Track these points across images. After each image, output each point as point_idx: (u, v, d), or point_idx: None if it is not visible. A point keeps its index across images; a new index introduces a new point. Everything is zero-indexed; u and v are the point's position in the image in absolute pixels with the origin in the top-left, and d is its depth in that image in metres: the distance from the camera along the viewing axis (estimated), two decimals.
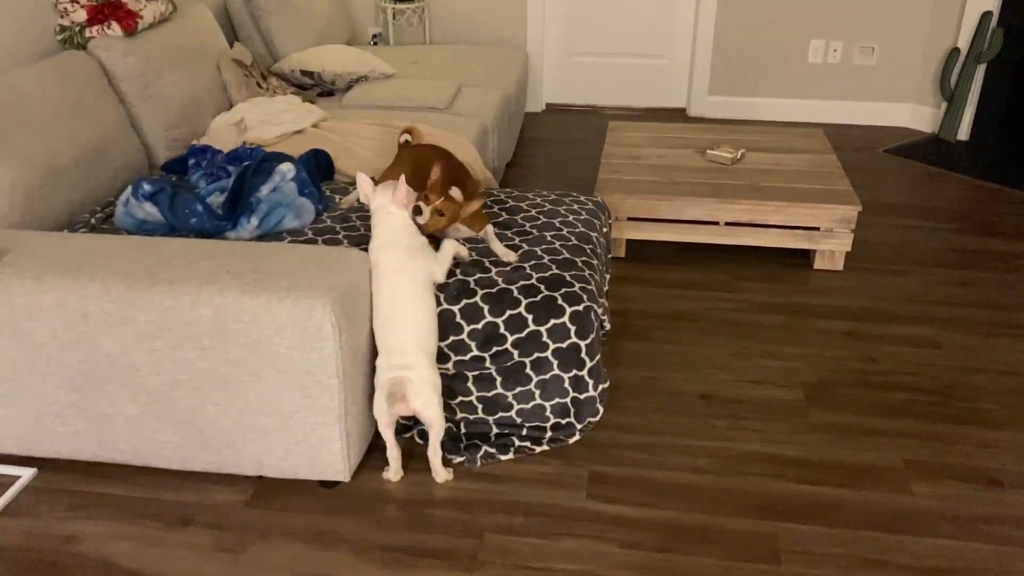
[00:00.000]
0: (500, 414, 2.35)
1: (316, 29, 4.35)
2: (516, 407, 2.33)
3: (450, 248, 2.29)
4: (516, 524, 2.08)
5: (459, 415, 2.36)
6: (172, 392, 2.07)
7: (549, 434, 2.34)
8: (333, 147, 3.19)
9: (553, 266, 2.36)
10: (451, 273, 2.31)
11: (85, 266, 2.05)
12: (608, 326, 2.69)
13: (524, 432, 2.35)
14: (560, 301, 2.24)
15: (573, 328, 2.23)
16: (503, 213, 2.68)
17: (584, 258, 2.44)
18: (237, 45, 3.71)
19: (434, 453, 2.18)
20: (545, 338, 2.24)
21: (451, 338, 2.24)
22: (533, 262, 2.38)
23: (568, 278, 2.31)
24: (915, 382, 2.62)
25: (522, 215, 2.66)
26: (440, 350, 2.25)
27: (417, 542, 2.02)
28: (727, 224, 3.29)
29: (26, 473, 2.23)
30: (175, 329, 1.99)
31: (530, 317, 2.23)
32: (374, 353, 2.18)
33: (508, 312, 2.23)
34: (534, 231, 2.56)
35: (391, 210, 2.24)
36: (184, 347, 2.01)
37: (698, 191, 3.28)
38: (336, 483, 2.20)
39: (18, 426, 2.18)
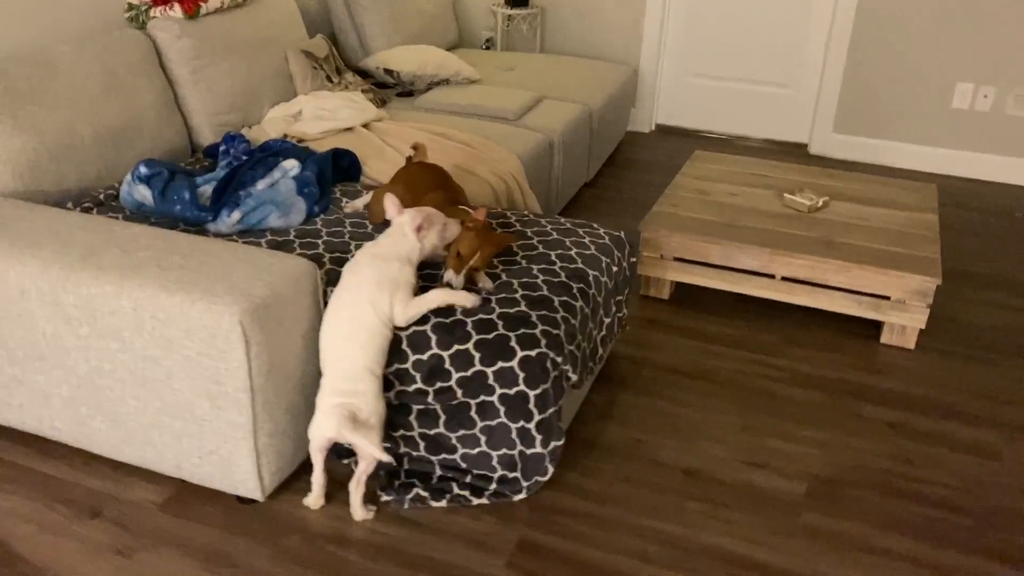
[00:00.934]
0: (444, 455, 2.16)
1: (413, 27, 4.29)
2: (461, 451, 2.13)
3: (435, 300, 2.06)
4: None
5: (402, 449, 2.19)
6: (99, 380, 2.02)
7: (494, 486, 2.13)
8: (371, 149, 3.10)
9: (523, 303, 2.13)
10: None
11: (34, 243, 2.04)
12: (581, 373, 2.43)
13: (467, 479, 2.14)
14: (513, 342, 2.02)
15: (522, 375, 2.00)
16: (493, 227, 2.47)
17: (566, 298, 2.20)
18: (317, 37, 3.69)
19: (356, 487, 2.02)
20: (491, 381, 2.02)
21: (395, 366, 2.07)
22: (503, 295, 2.17)
23: (533, 318, 2.08)
24: (952, 497, 2.19)
25: (520, 242, 2.45)
26: (384, 377, 2.08)
27: None
28: (784, 279, 2.92)
29: None
30: (99, 317, 1.94)
31: (477, 356, 2.02)
32: (312, 370, 2.04)
33: (455, 347, 2.03)
34: (523, 261, 2.34)
35: (406, 233, 2.09)
36: (107, 337, 1.96)
37: (755, 238, 2.93)
38: (253, 500, 2.09)
39: None
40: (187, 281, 1.89)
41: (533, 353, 2.01)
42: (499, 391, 2.02)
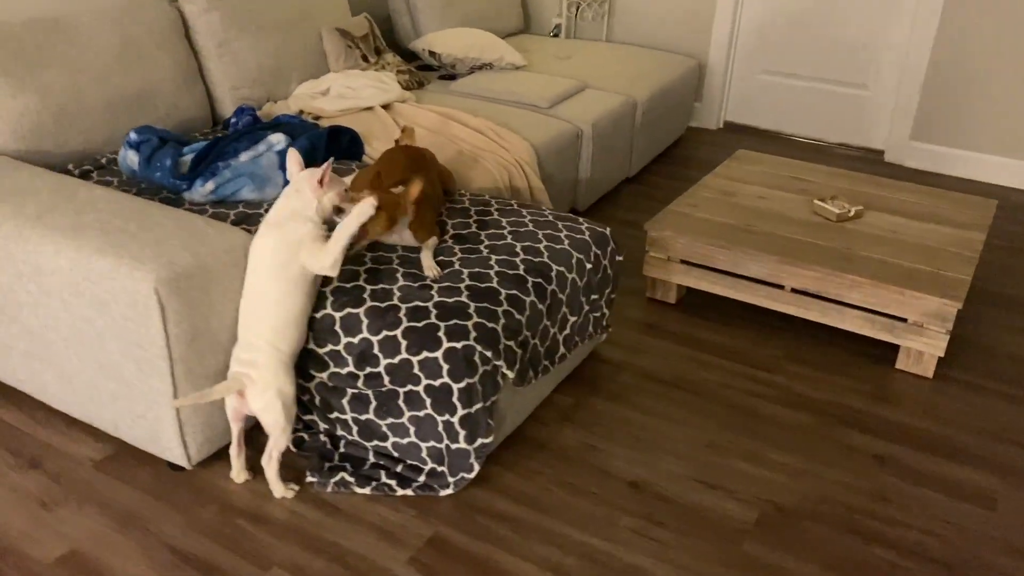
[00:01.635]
0: (376, 442, 2.11)
1: (470, 11, 4.24)
2: (391, 439, 2.08)
3: (344, 230, 1.95)
4: (312, 567, 1.85)
5: (339, 431, 2.16)
6: (47, 335, 2.08)
7: (423, 479, 2.06)
8: (381, 130, 3.08)
9: (466, 293, 2.06)
10: (354, 275, 2.10)
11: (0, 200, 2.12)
12: (525, 372, 2.32)
13: (398, 469, 2.09)
14: (441, 332, 1.95)
15: (446, 367, 1.93)
16: (473, 224, 2.40)
17: (515, 292, 2.11)
18: (360, 17, 3.70)
19: (267, 463, 2.00)
20: (416, 370, 1.96)
21: (329, 347, 2.04)
22: (448, 283, 2.09)
23: (471, 310, 2.00)
24: (926, 545, 1.97)
25: (490, 230, 2.37)
26: (319, 357, 2.05)
27: (206, 554, 1.87)
28: (795, 291, 2.72)
29: None
30: (43, 275, 2.00)
31: (404, 343, 1.96)
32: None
33: (384, 332, 1.98)
34: (484, 249, 2.26)
35: (301, 189, 2.03)
36: (51, 295, 2.01)
37: (765, 244, 2.73)
38: (182, 468, 2.11)
39: None
40: (119, 245, 1.92)
41: (459, 345, 1.93)
42: (424, 381, 1.96)
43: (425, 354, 1.94)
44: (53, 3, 2.87)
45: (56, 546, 1.87)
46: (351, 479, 2.06)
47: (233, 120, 2.94)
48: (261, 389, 1.91)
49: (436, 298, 2.03)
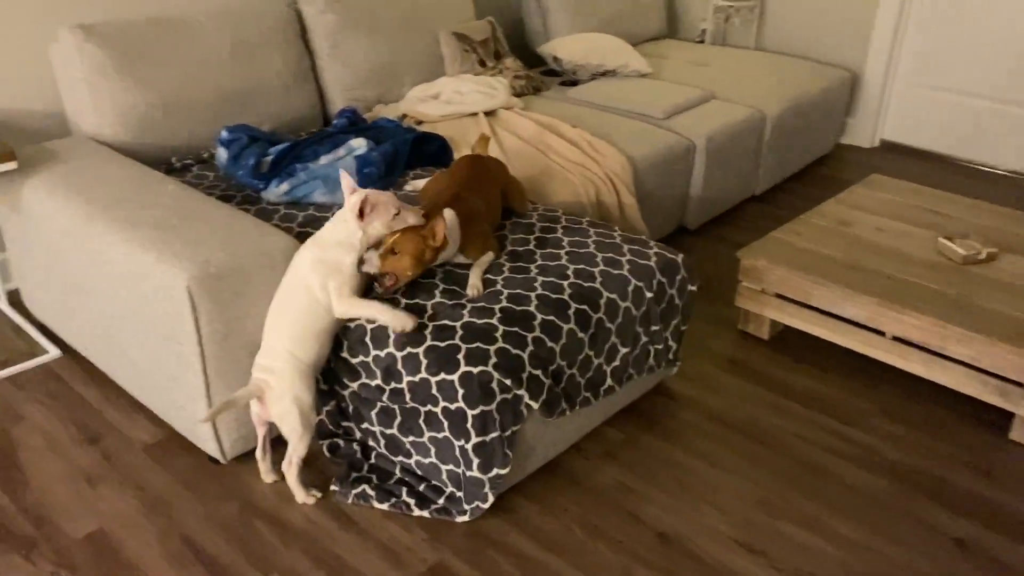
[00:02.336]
0: (402, 458, 2.08)
1: (604, 15, 4.12)
2: (415, 457, 2.04)
3: (373, 311, 1.94)
4: None
5: (369, 442, 2.14)
6: (115, 321, 2.21)
7: (441, 502, 2.01)
8: (474, 139, 3.04)
9: (498, 315, 1.97)
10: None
11: (82, 190, 2.26)
12: (556, 404, 2.19)
13: (420, 488, 2.05)
14: (460, 355, 1.88)
15: (461, 391, 1.86)
16: (532, 241, 2.31)
17: (553, 319, 2.00)
18: (483, 20, 3.68)
19: (287, 468, 2.02)
20: (434, 391, 1.90)
21: (360, 357, 2.02)
22: (483, 304, 2.02)
23: (497, 334, 1.92)
24: None
25: (548, 249, 2.26)
26: (353, 367, 2.05)
27: (214, 550, 1.91)
28: (896, 339, 2.43)
29: (52, 353, 2.57)
30: (104, 264, 2.11)
31: (424, 362, 1.91)
32: None
33: (408, 349, 1.93)
34: (534, 269, 2.17)
35: (347, 218, 2.01)
36: (112, 283, 2.12)
37: (867, 284, 2.46)
38: (219, 461, 2.17)
39: (53, 307, 2.51)
40: (163, 242, 1.99)
41: (475, 370, 1.85)
42: (441, 403, 1.90)
43: (443, 375, 1.88)
44: (175, 4, 3.04)
45: (88, 523, 1.97)
46: (372, 492, 2.04)
47: (336, 121, 3.00)
48: (278, 396, 1.92)
49: (466, 318, 1.96)
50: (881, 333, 2.45)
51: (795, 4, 4.40)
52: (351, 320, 2.01)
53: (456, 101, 3.27)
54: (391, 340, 1.95)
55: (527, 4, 4.06)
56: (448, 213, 2.11)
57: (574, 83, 3.83)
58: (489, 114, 3.24)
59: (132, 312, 2.09)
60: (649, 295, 2.23)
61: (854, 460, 2.22)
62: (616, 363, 2.19)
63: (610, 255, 2.26)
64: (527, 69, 3.73)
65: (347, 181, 2.01)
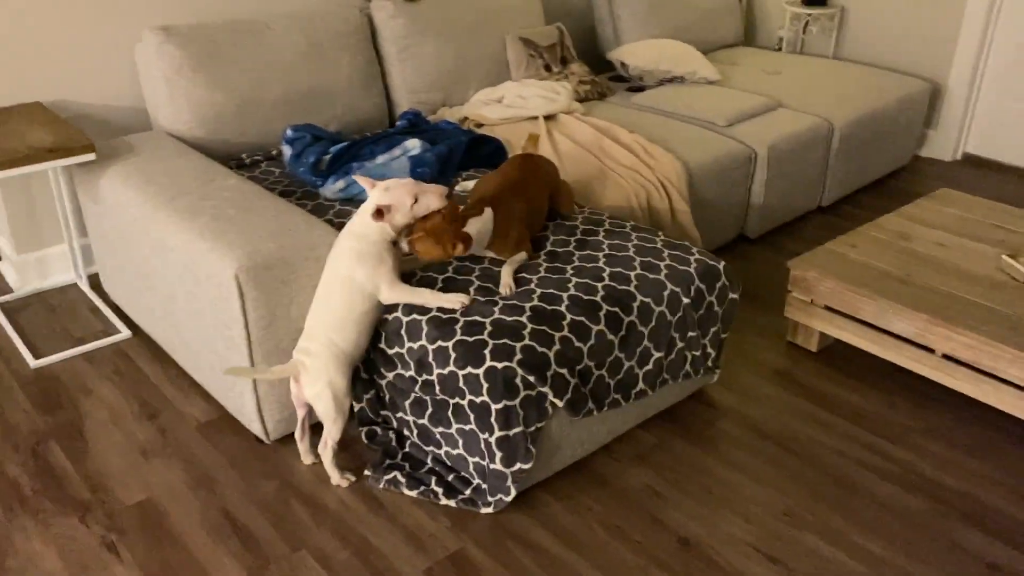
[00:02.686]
0: (433, 448, 2.15)
1: (677, 22, 4.11)
2: (444, 447, 2.11)
3: (423, 297, 2.04)
4: (336, 557, 1.93)
5: (404, 432, 2.22)
6: (173, 304, 2.35)
7: (468, 492, 2.07)
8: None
9: (528, 313, 2.02)
10: (431, 283, 2.14)
11: (152, 180, 2.41)
12: (582, 403, 2.21)
13: (449, 478, 2.11)
14: (487, 350, 1.93)
15: (485, 385, 1.91)
16: (573, 243, 2.35)
17: (583, 320, 2.04)
18: (551, 26, 3.73)
19: (323, 451, 2.11)
20: (461, 384, 1.96)
21: (396, 349, 2.10)
22: (515, 301, 2.07)
23: (526, 332, 1.97)
24: None
25: (587, 251, 2.30)
26: (389, 357, 2.13)
27: (251, 524, 2.02)
28: (945, 357, 2.36)
29: (123, 333, 2.75)
30: (166, 251, 2.25)
31: (453, 356, 1.97)
32: None
33: (439, 342, 2.00)
34: (570, 270, 2.20)
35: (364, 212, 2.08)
36: (171, 269, 2.26)
37: (917, 300, 2.40)
38: (264, 441, 2.28)
39: (125, 290, 2.69)
40: (217, 232, 2.12)
41: (500, 365, 1.91)
42: (468, 396, 1.96)
43: (469, 369, 1.94)
44: (253, 7, 3.20)
45: (138, 492, 2.11)
46: (403, 479, 2.12)
47: (399, 122, 3.10)
48: (313, 378, 2.01)
49: (496, 315, 2.02)
50: (931, 350, 2.39)
51: (876, 13, 4.29)
52: (390, 312, 2.09)
53: (517, 105, 3.33)
54: (424, 333, 2.03)
55: (599, 11, 4.09)
56: (486, 212, 2.17)
57: (641, 89, 3.84)
58: (549, 118, 3.29)
59: (189, 296, 2.23)
60: (686, 301, 2.24)
61: (890, 477, 2.18)
62: (649, 367, 2.20)
63: (649, 259, 2.27)
64: (593, 75, 3.76)
65: (364, 181, 2.09)
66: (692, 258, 2.31)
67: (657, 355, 2.21)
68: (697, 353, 2.33)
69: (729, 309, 2.36)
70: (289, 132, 2.76)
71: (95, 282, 3.06)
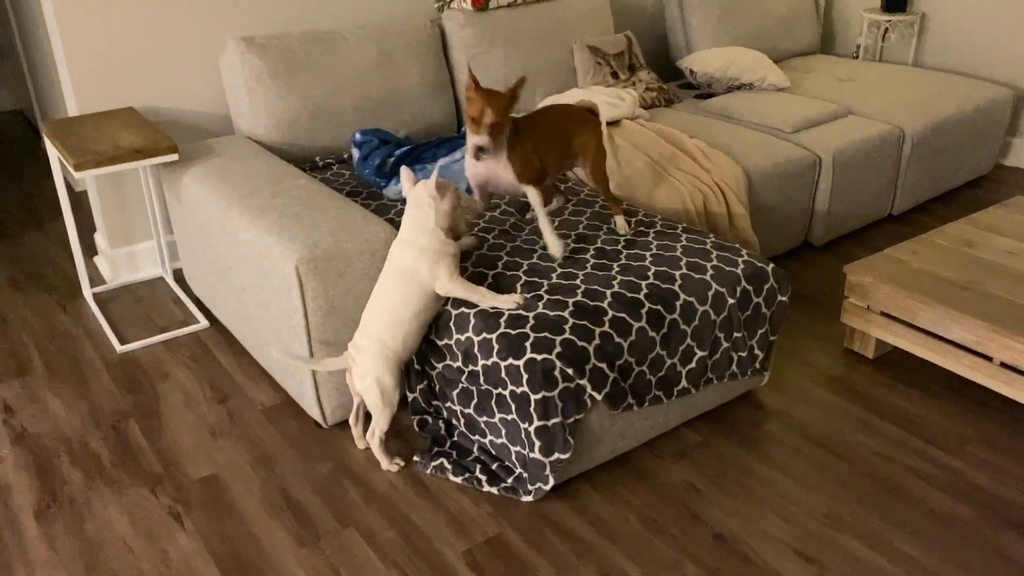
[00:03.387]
0: (479, 437, 2.23)
1: (749, 29, 4.11)
2: (488, 436, 2.19)
3: (478, 295, 2.12)
4: (381, 536, 2.03)
5: (453, 421, 2.31)
6: (247, 297, 2.51)
7: (511, 480, 2.15)
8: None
9: (570, 308, 2.09)
10: (481, 278, 2.23)
11: (228, 180, 2.58)
12: (620, 398, 2.24)
13: (493, 467, 2.19)
14: (528, 342, 2.00)
15: (525, 376, 1.98)
16: (621, 241, 2.39)
17: (624, 316, 2.09)
18: (619, 34, 3.79)
19: (371, 439, 2.22)
20: (503, 375, 2.04)
21: (445, 340, 2.20)
22: (558, 296, 2.14)
23: (566, 326, 2.03)
24: None
25: (635, 250, 2.34)
26: (439, 348, 2.23)
27: (305, 502, 2.14)
28: (1004, 366, 2.31)
29: (201, 323, 2.93)
30: (239, 245, 2.41)
31: (496, 347, 2.05)
32: None
33: (484, 334, 2.08)
34: (616, 267, 2.26)
35: (420, 204, 2.14)
36: (243, 262, 2.42)
37: (976, 307, 2.36)
38: (322, 426, 2.41)
39: (204, 282, 2.87)
40: (283, 227, 2.26)
41: (539, 357, 1.98)
42: (509, 387, 2.04)
43: (511, 360, 2.01)
44: (329, 19, 3.37)
45: (205, 468, 2.26)
46: (449, 466, 2.21)
47: (463, 128, 3.22)
48: (362, 373, 2.13)
49: (539, 309, 2.09)
50: (989, 359, 2.34)
51: (958, 19, 4.19)
52: (441, 308, 2.19)
53: None
54: (471, 325, 2.11)
55: (670, 19, 4.12)
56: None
57: (709, 96, 3.85)
58: (613, 124, 3.34)
59: (257, 288, 2.38)
60: (731, 301, 2.26)
61: (939, 485, 2.14)
62: (692, 365, 2.23)
63: (695, 260, 2.31)
64: (661, 82, 3.80)
65: (407, 174, 2.18)
66: (740, 260, 2.33)
67: (701, 354, 2.24)
68: (743, 354, 2.34)
69: (778, 312, 2.37)
70: (358, 136, 2.90)
71: (179, 276, 3.26)
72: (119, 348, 2.79)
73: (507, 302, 2.11)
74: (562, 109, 2.46)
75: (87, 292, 3.10)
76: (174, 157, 2.65)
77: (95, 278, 3.28)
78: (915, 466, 2.21)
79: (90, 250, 3.51)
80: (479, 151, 2.17)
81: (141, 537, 2.03)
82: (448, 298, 2.19)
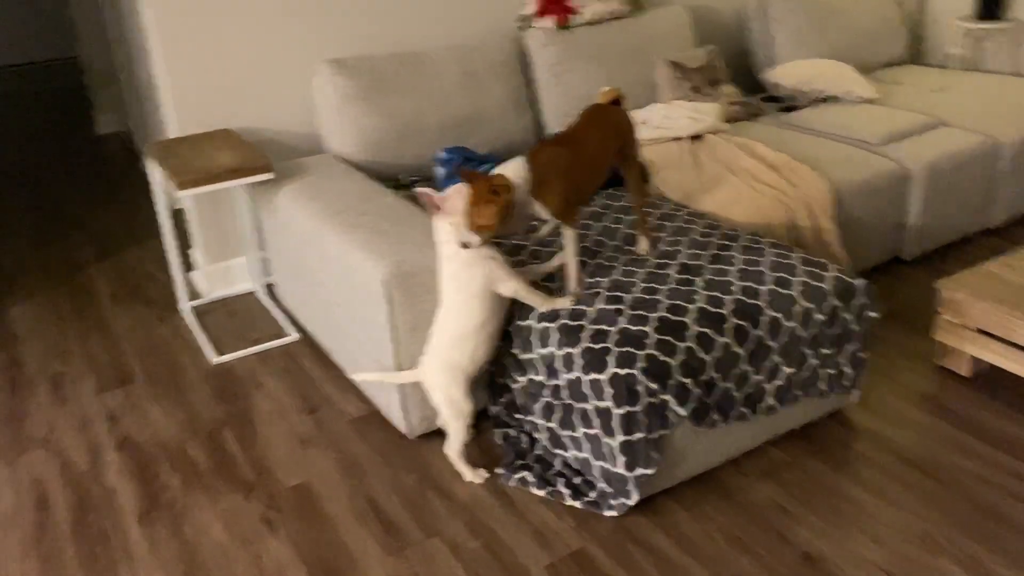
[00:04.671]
0: (560, 451, 2.25)
1: (834, 42, 4.04)
2: (571, 451, 2.20)
3: (526, 294, 2.16)
4: (465, 547, 2.06)
5: (535, 435, 2.33)
6: (334, 309, 2.59)
7: (593, 495, 2.15)
8: (674, 160, 3.15)
9: (654, 323, 2.08)
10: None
11: (319, 197, 2.67)
12: (707, 413, 2.22)
13: (576, 481, 2.20)
14: (611, 356, 2.01)
15: (609, 391, 1.99)
16: (706, 256, 2.38)
17: (708, 331, 2.07)
18: (702, 49, 3.77)
19: (447, 450, 2.26)
20: (585, 389, 2.05)
21: (528, 355, 2.23)
22: (640, 311, 2.13)
23: (649, 340, 2.03)
24: None
25: (720, 264, 2.32)
26: (522, 363, 2.26)
27: (392, 511, 2.18)
28: None
29: (292, 336, 3.03)
30: (330, 260, 2.49)
31: (580, 362, 2.06)
32: None
33: (566, 348, 2.10)
34: (700, 282, 2.24)
35: (446, 226, 2.13)
36: (334, 277, 2.50)
37: None
38: (407, 437, 2.45)
39: (295, 296, 2.97)
40: (371, 243, 2.32)
41: (622, 372, 1.98)
42: (593, 402, 2.05)
43: (594, 375, 2.03)
44: (415, 41, 3.45)
45: (296, 476, 2.33)
46: (532, 479, 2.22)
47: None
48: (430, 387, 2.18)
49: (622, 324, 2.10)
50: None
51: None
52: (523, 319, 2.21)
53: (664, 126, 3.39)
54: (553, 339, 2.13)
55: (754, 33, 4.09)
56: (515, 160, 2.12)
57: (793, 109, 3.80)
58: (695, 138, 3.33)
59: (346, 302, 2.45)
60: (820, 317, 2.22)
61: None
62: (779, 382, 2.20)
63: (782, 275, 2.28)
64: (745, 96, 3.76)
65: (426, 198, 2.14)
66: (828, 275, 2.29)
67: (788, 370, 2.21)
68: (832, 371, 2.30)
69: (868, 328, 2.32)
70: (442, 154, 2.97)
71: (271, 290, 3.38)
72: (215, 359, 2.90)
73: (564, 303, 2.17)
74: (601, 114, 2.28)
75: (184, 305, 3.24)
76: (269, 176, 2.75)
77: (192, 292, 3.43)
78: (1015, 489, 2.13)
79: (187, 266, 3.67)
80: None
81: (236, 542, 2.11)
82: (511, 307, 2.23)
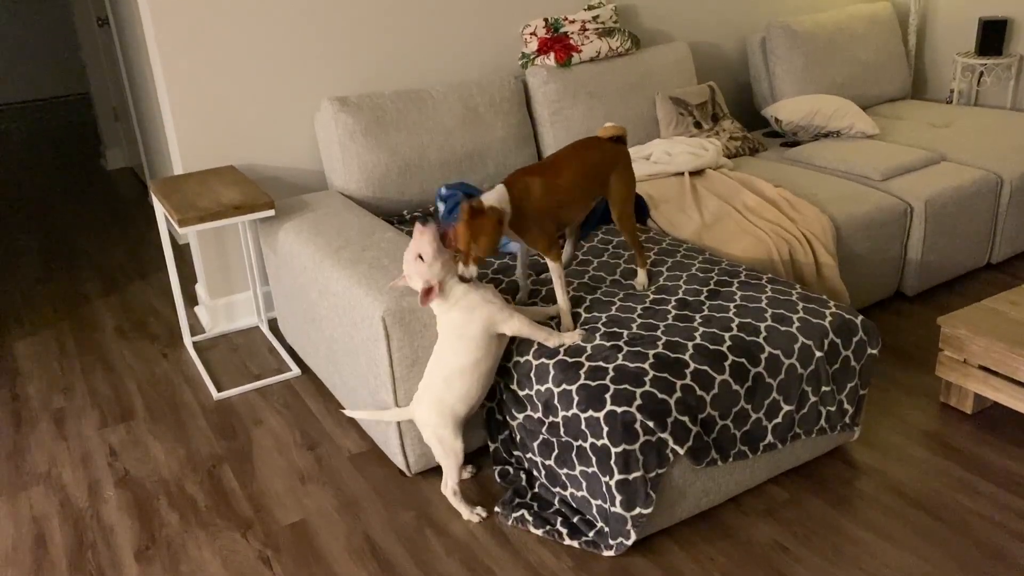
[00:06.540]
0: (559, 489, 2.23)
1: (836, 77, 4.07)
2: (569, 489, 2.19)
3: (528, 330, 2.16)
4: None
5: (534, 472, 2.32)
6: (334, 344, 2.59)
7: (591, 534, 2.13)
8: (674, 195, 3.16)
9: (651, 360, 2.08)
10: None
11: (321, 232, 2.69)
12: (703, 452, 2.20)
13: (574, 520, 2.18)
14: (608, 395, 2.01)
15: (605, 428, 1.98)
16: (704, 292, 2.38)
17: (706, 369, 2.07)
18: (702, 85, 3.81)
19: (444, 489, 2.25)
20: (583, 427, 2.04)
21: (526, 391, 2.22)
22: (638, 348, 2.13)
23: (647, 378, 2.03)
24: None
25: (718, 301, 2.33)
26: (520, 399, 2.25)
27: (388, 549, 2.17)
28: None
29: (294, 371, 3.03)
30: (330, 296, 2.50)
31: (576, 399, 2.06)
32: None
33: (564, 385, 2.10)
34: (698, 319, 2.24)
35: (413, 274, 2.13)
36: (334, 312, 2.51)
37: None
38: (406, 474, 2.45)
39: (297, 331, 2.98)
40: (371, 279, 2.33)
41: (619, 410, 1.98)
42: (590, 439, 2.04)
43: (591, 413, 2.02)
44: (417, 78, 3.49)
45: (294, 513, 2.32)
46: (530, 518, 2.21)
47: None
48: (420, 425, 2.18)
49: (619, 361, 2.10)
50: None
51: None
52: (522, 355, 2.21)
53: (664, 161, 3.41)
54: (551, 376, 2.13)
55: (756, 69, 4.12)
56: (497, 189, 2.16)
57: (795, 144, 3.82)
58: (696, 174, 3.34)
59: (346, 337, 2.45)
60: (819, 354, 2.21)
61: None
62: (778, 420, 2.19)
63: (781, 311, 2.28)
64: (745, 131, 3.79)
65: (409, 265, 2.14)
66: (827, 311, 2.28)
67: (787, 408, 2.20)
68: (832, 408, 2.29)
69: (868, 365, 2.31)
70: (443, 190, 2.99)
71: (273, 325, 3.39)
72: (216, 395, 2.91)
73: (569, 338, 2.17)
74: (587, 146, 2.31)
75: (187, 340, 3.25)
76: (271, 213, 2.78)
77: (195, 327, 3.44)
78: (1018, 528, 2.11)
79: (191, 300, 3.69)
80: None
81: None
82: (506, 346, 2.23)
